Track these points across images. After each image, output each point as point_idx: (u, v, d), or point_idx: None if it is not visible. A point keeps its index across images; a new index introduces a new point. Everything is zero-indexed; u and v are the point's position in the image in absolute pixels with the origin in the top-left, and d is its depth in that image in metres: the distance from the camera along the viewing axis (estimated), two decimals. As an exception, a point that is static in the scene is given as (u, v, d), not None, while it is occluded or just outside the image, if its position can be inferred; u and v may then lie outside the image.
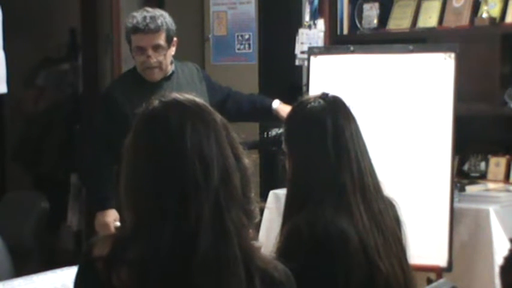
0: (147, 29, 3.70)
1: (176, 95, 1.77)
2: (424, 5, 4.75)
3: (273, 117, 4.00)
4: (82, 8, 5.92)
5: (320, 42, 4.83)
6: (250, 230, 1.72)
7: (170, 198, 1.64)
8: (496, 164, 4.43)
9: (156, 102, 1.74)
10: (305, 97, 2.47)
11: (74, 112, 6.18)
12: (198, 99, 1.77)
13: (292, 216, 2.28)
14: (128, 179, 1.71)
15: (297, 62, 4.89)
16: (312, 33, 4.88)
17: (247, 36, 5.46)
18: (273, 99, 4.02)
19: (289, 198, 2.37)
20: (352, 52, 4.06)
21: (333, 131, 2.32)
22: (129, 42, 3.80)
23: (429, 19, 4.70)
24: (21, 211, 4.10)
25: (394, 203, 2.43)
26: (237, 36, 5.49)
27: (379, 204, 2.32)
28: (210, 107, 1.76)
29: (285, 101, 3.93)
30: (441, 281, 2.72)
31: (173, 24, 3.80)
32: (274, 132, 4.36)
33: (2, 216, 4.07)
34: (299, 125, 2.40)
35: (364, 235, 2.23)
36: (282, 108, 3.94)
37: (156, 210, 1.64)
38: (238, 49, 5.49)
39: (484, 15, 4.44)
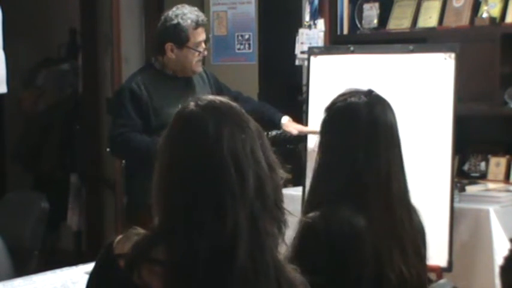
0: (205, 22, 3.85)
1: (212, 98, 1.71)
2: (424, 5, 4.75)
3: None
4: (82, 8, 5.93)
5: (320, 42, 4.83)
6: (280, 241, 1.69)
7: (206, 204, 1.60)
8: (496, 164, 4.43)
9: (192, 105, 1.69)
10: (349, 89, 2.35)
11: (74, 112, 6.18)
12: (233, 104, 1.71)
13: (309, 213, 2.21)
14: (162, 179, 1.67)
15: (297, 62, 4.88)
16: (312, 33, 4.87)
17: (247, 36, 5.46)
18: (283, 114, 4.08)
19: (310, 194, 2.30)
20: (352, 52, 4.06)
21: (368, 128, 2.24)
22: (181, 40, 3.77)
23: (429, 19, 4.69)
24: (21, 211, 4.09)
25: (419, 213, 2.35)
26: (237, 36, 5.49)
27: (402, 212, 2.24)
28: (245, 113, 1.71)
29: (285, 101, 3.93)
30: (441, 281, 2.71)
31: None
32: (274, 132, 4.36)
33: (2, 216, 4.06)
34: (334, 117, 2.31)
35: (378, 241, 2.16)
36: (289, 124, 4.05)
37: (191, 214, 1.60)
38: (238, 49, 5.49)
39: (484, 15, 4.44)
